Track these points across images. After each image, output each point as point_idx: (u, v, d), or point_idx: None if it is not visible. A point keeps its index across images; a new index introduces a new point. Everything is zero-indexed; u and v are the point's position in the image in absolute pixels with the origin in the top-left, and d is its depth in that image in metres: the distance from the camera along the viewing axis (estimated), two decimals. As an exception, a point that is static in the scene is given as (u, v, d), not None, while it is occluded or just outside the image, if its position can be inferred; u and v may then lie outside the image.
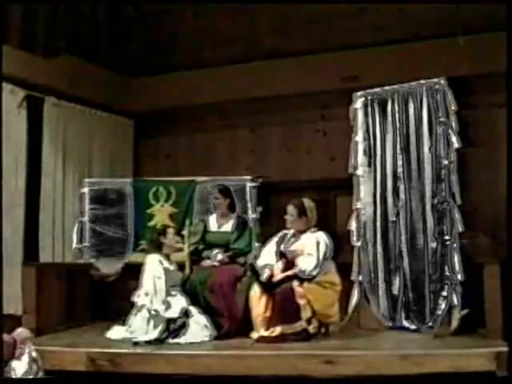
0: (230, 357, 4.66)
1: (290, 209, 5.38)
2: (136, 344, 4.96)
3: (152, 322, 5.16)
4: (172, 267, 5.46)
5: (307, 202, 5.42)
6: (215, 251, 5.75)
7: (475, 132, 6.14)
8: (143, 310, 5.23)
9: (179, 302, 5.26)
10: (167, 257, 5.49)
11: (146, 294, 5.26)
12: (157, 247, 5.49)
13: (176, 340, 5.08)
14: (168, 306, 5.22)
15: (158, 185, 6.73)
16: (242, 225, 5.93)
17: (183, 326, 5.15)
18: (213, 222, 5.95)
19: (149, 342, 4.98)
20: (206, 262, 5.72)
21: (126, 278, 6.14)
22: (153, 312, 5.18)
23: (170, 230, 5.60)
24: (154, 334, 5.08)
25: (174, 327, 5.14)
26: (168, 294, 5.27)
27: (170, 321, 5.15)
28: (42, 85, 6.50)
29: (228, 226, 5.90)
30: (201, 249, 5.85)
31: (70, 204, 6.73)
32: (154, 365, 4.66)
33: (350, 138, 5.79)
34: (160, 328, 5.12)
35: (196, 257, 5.81)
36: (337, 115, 6.53)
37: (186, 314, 5.21)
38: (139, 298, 5.29)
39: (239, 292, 5.40)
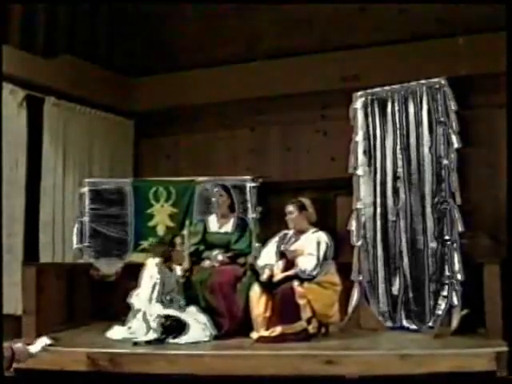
0: (230, 357, 4.67)
1: (290, 207, 5.43)
2: (136, 344, 4.95)
3: (150, 323, 5.15)
4: (171, 273, 5.46)
5: (304, 199, 5.48)
6: (215, 252, 5.75)
7: (475, 132, 6.13)
8: (140, 313, 5.23)
9: (174, 305, 5.26)
10: (170, 265, 5.48)
11: (142, 298, 5.25)
12: (165, 259, 5.47)
13: (176, 340, 5.08)
14: (163, 308, 5.21)
15: (158, 185, 6.73)
16: (242, 225, 5.95)
17: (182, 327, 5.14)
18: (213, 223, 5.95)
19: (149, 342, 4.98)
20: (206, 263, 5.72)
21: (126, 278, 6.14)
22: (152, 313, 5.16)
23: (178, 241, 5.58)
24: (153, 335, 5.08)
25: (172, 328, 5.13)
26: (164, 297, 5.27)
27: (166, 323, 5.15)
28: (42, 85, 6.49)
29: (228, 227, 5.90)
30: (201, 250, 5.85)
31: (69, 204, 6.72)
32: (154, 365, 4.66)
33: (350, 138, 5.79)
34: (158, 328, 5.11)
35: (196, 258, 5.79)
36: (337, 115, 6.52)
37: (179, 320, 5.19)
38: (135, 301, 5.29)
39: (239, 292, 5.41)
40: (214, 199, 6.15)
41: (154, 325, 5.10)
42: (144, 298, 5.25)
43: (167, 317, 5.13)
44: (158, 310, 5.17)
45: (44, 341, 4.28)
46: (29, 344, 4.24)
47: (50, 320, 5.60)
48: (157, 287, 5.27)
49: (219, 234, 5.88)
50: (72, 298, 6.04)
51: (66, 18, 7.03)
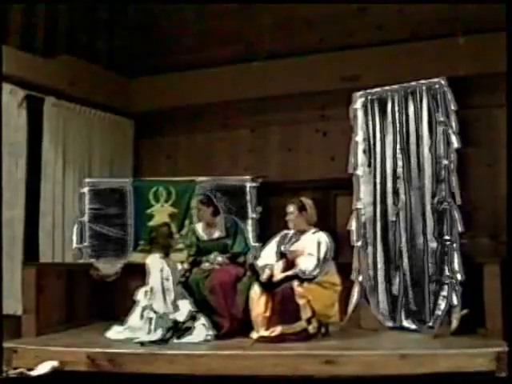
0: (230, 357, 4.66)
1: (290, 207, 5.42)
2: (142, 344, 4.94)
3: (155, 323, 5.15)
4: (175, 265, 5.47)
5: (305, 199, 5.49)
6: (214, 254, 5.73)
7: (475, 132, 6.14)
8: (147, 310, 5.22)
9: (186, 305, 5.26)
10: (167, 255, 5.49)
11: (152, 295, 5.23)
12: (167, 249, 5.47)
13: (179, 340, 5.09)
14: (176, 308, 5.22)
15: (158, 185, 6.74)
16: (233, 227, 5.86)
17: (189, 329, 5.15)
18: (201, 232, 5.90)
19: (153, 342, 4.98)
20: (206, 265, 5.71)
21: (126, 278, 6.15)
22: (160, 313, 5.16)
23: (173, 229, 5.61)
24: (157, 334, 5.08)
25: (181, 329, 5.14)
26: (177, 295, 5.27)
27: (177, 323, 5.16)
28: (42, 85, 6.49)
29: (219, 232, 5.84)
30: (199, 260, 5.81)
31: (69, 204, 6.72)
32: (154, 365, 4.66)
33: (350, 138, 5.80)
34: (164, 328, 5.12)
35: (197, 267, 5.76)
36: (337, 115, 6.52)
37: (193, 317, 5.21)
38: (144, 299, 5.27)
39: (239, 292, 5.41)
40: (193, 211, 6.14)
41: (162, 323, 5.11)
42: (154, 294, 5.22)
43: (176, 322, 5.14)
44: (170, 310, 5.17)
45: (50, 364, 4.29)
46: (30, 369, 4.25)
47: (50, 320, 5.61)
48: (167, 283, 5.26)
49: (213, 241, 5.81)
50: (72, 298, 6.04)
51: (66, 18, 7.03)
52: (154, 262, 5.37)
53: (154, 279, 5.28)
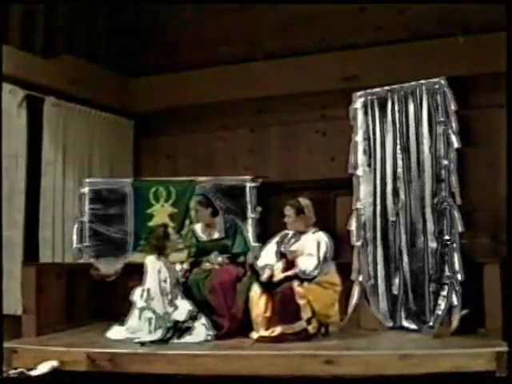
0: (230, 357, 4.67)
1: (287, 209, 5.41)
2: (142, 344, 4.94)
3: (155, 323, 5.15)
4: (173, 266, 5.47)
5: (303, 201, 5.46)
6: (214, 254, 5.72)
7: (475, 132, 6.14)
8: (145, 311, 5.22)
9: (186, 305, 5.26)
10: (166, 256, 5.49)
11: (150, 296, 5.23)
12: (160, 250, 5.47)
13: (179, 340, 5.09)
14: (175, 308, 5.22)
15: (157, 185, 6.74)
16: (231, 228, 5.85)
17: (189, 329, 5.15)
18: (200, 233, 5.88)
19: (153, 342, 4.98)
20: (206, 265, 5.70)
21: (126, 278, 6.14)
22: (159, 314, 5.16)
23: (171, 231, 5.60)
24: (157, 335, 5.08)
25: (181, 329, 5.14)
26: (175, 296, 5.27)
27: (177, 323, 5.16)
28: (42, 85, 6.49)
29: (217, 233, 5.83)
30: (199, 260, 5.80)
31: (70, 204, 6.72)
32: (154, 365, 4.66)
33: (350, 138, 5.79)
34: (164, 328, 5.12)
35: (197, 267, 5.75)
36: (337, 115, 6.53)
37: (193, 317, 5.21)
38: (141, 300, 5.27)
39: (239, 292, 5.40)
40: (192, 212, 6.14)
41: (161, 323, 5.11)
42: (152, 296, 5.23)
43: (176, 322, 5.14)
44: (170, 310, 5.18)
45: (50, 364, 4.29)
46: (30, 369, 4.25)
47: (50, 320, 5.60)
48: (165, 284, 5.26)
49: (212, 242, 5.80)
50: (72, 298, 6.04)
51: (66, 18, 7.03)
52: (152, 263, 5.37)
53: (152, 281, 5.28)
